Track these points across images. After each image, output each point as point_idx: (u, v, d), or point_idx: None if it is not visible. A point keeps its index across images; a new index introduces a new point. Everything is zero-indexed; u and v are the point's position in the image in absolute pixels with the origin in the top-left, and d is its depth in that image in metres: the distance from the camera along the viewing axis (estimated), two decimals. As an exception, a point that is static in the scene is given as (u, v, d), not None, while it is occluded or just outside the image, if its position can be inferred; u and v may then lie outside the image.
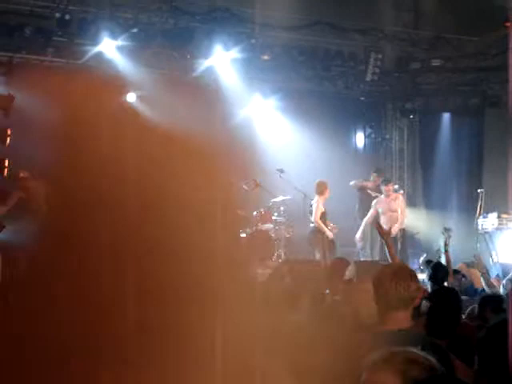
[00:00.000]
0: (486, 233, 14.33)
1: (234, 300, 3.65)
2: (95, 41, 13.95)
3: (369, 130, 18.15)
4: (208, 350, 3.42)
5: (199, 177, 3.91)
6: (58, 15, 13.50)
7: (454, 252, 14.75)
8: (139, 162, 3.91)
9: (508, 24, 13.91)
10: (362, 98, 17.57)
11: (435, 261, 8.03)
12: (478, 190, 14.56)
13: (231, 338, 3.50)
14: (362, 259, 14.12)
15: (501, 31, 14.51)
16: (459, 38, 15.99)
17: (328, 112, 16.66)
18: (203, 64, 15.01)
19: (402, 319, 3.80)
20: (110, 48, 14.12)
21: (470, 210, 15.18)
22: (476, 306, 6.16)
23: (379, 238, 14.13)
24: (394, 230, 13.19)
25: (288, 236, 14.55)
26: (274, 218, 14.68)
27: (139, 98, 15.28)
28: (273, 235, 14.37)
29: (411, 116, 17.58)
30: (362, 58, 16.01)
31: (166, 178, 3.82)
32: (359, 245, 14.30)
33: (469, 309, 6.10)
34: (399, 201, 13.99)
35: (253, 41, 14.96)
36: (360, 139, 18.20)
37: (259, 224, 14.31)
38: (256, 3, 15.03)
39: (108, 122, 4.03)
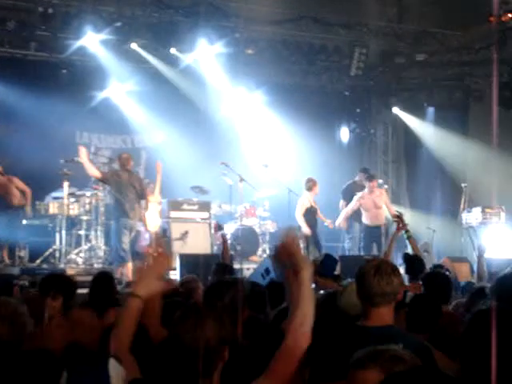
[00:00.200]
0: (470, 227, 14.37)
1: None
2: (78, 35, 13.90)
3: (353, 125, 18.12)
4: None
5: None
6: (40, 9, 13.41)
7: (439, 247, 14.86)
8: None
9: (492, 18, 13.91)
10: (347, 93, 17.57)
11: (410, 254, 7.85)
12: (462, 185, 14.56)
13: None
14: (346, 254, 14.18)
15: (485, 26, 14.52)
16: (443, 33, 16.01)
17: (312, 106, 16.66)
18: (187, 58, 14.97)
19: (385, 314, 3.78)
20: (93, 42, 14.06)
21: (454, 204, 15.19)
22: (461, 300, 6.16)
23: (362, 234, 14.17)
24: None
25: (273, 231, 14.56)
26: (258, 213, 14.68)
27: (123, 91, 15.29)
28: (257, 230, 14.37)
29: (395, 110, 17.56)
30: (347, 53, 16.00)
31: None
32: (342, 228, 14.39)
33: (453, 303, 6.09)
34: (383, 196, 13.99)
35: (237, 35, 14.91)
36: (344, 134, 18.18)
37: (244, 219, 14.31)
38: (240, -3, 14.97)
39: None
